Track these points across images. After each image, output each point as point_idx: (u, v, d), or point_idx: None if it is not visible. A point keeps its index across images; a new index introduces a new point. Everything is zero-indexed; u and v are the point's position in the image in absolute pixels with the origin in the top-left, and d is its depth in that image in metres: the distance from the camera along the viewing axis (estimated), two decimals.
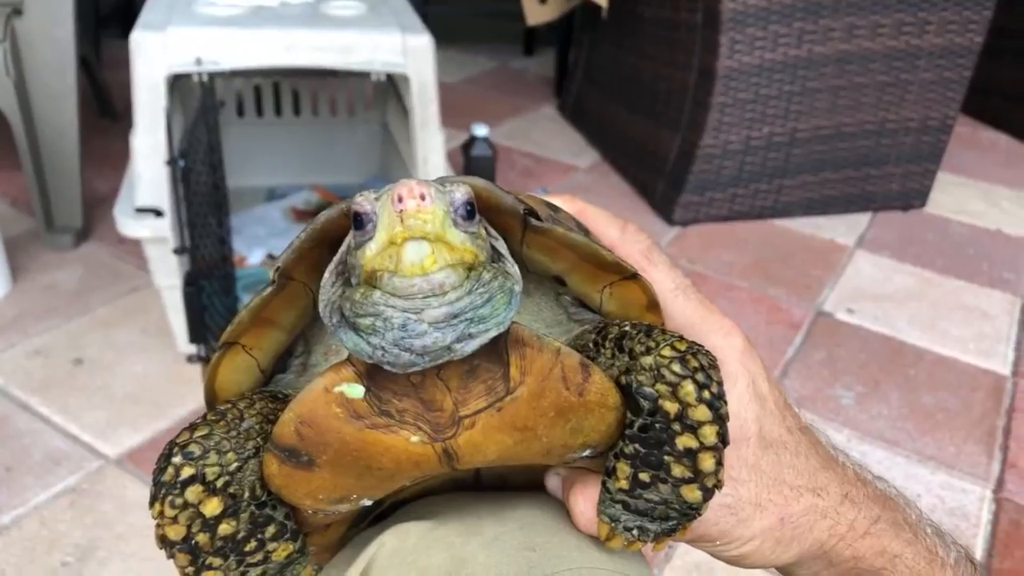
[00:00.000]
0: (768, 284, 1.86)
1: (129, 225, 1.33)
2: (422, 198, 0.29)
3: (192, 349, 1.44)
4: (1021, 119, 2.70)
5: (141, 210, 1.33)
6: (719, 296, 1.81)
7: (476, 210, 0.32)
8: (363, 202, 0.31)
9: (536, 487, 0.44)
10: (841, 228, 2.13)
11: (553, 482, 0.43)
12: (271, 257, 1.73)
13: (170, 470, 0.34)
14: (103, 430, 1.32)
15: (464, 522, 0.42)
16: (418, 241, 0.29)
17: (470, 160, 2.04)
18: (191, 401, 1.39)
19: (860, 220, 2.18)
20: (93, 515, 1.17)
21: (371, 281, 0.30)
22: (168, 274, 1.38)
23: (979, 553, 1.23)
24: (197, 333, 1.29)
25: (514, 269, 0.33)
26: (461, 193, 0.31)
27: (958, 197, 2.32)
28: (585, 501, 0.40)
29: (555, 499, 0.43)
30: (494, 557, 0.39)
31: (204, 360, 1.27)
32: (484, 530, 0.41)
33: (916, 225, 2.17)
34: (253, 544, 0.36)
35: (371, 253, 0.30)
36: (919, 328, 1.74)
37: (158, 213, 1.32)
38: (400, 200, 0.29)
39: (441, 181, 0.32)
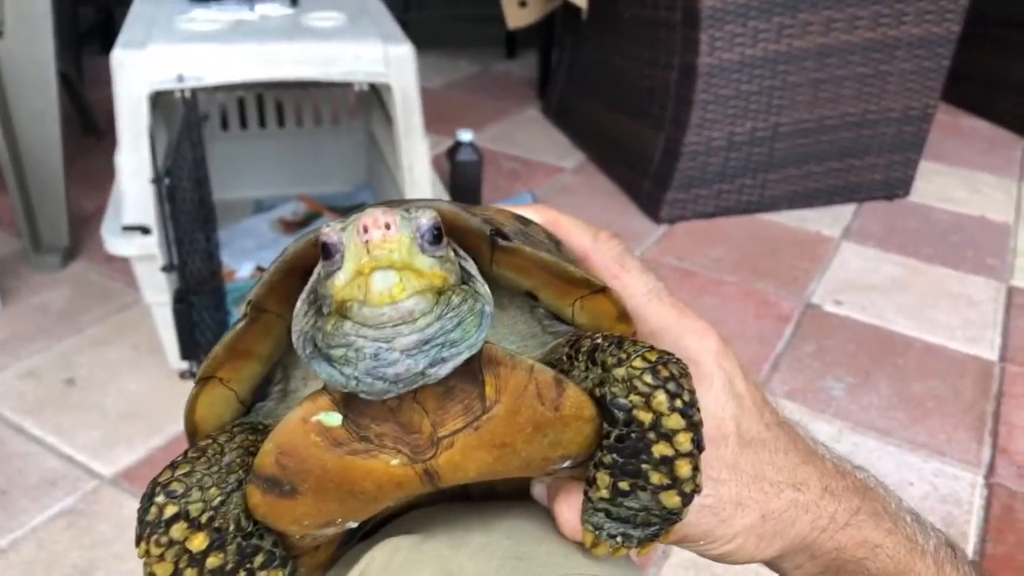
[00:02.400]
0: (756, 278, 1.87)
1: (116, 244, 1.33)
2: (387, 227, 0.29)
3: (184, 365, 1.44)
4: (1001, 105, 2.72)
5: (128, 228, 1.33)
6: (708, 292, 1.82)
7: (443, 233, 0.32)
8: (330, 233, 0.31)
9: (523, 495, 0.45)
10: (827, 220, 2.14)
11: (538, 490, 0.44)
12: (260, 269, 1.73)
13: (153, 509, 0.35)
14: (98, 449, 1.32)
15: (452, 534, 0.42)
16: (385, 270, 0.29)
17: (456, 166, 2.04)
18: None
19: (845, 211, 2.19)
20: (91, 535, 1.17)
21: (341, 311, 0.30)
22: (157, 291, 1.38)
23: (972, 538, 1.24)
24: (189, 350, 1.30)
25: (484, 289, 0.34)
26: (427, 219, 0.31)
27: (941, 185, 2.33)
28: (569, 509, 0.40)
29: (542, 507, 0.44)
30: (481, 566, 0.40)
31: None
32: (471, 541, 0.42)
33: (900, 214, 2.19)
34: (243, 574, 0.37)
35: (340, 283, 0.30)
36: (906, 317, 1.75)
37: (145, 231, 1.32)
38: (365, 230, 0.29)
39: (407, 206, 0.32)
